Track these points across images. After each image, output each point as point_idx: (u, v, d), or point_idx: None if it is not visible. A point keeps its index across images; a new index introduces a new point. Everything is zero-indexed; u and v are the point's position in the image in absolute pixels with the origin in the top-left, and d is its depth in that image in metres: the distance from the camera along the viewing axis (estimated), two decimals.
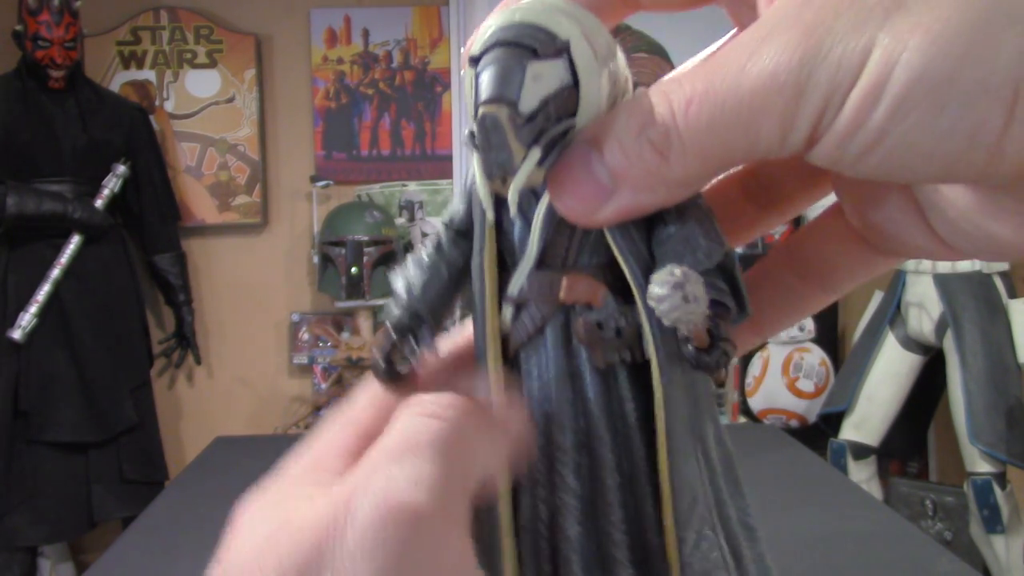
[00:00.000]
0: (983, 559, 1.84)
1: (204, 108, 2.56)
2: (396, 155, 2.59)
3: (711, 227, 0.23)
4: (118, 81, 2.52)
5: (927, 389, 2.06)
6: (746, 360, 2.43)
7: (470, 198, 0.25)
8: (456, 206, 0.26)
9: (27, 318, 2.03)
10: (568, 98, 0.21)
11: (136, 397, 2.19)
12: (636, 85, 0.24)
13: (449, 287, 0.26)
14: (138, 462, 2.15)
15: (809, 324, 2.35)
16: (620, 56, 0.23)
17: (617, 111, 0.21)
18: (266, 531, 0.21)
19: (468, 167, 0.24)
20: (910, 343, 2.00)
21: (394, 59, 2.61)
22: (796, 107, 0.18)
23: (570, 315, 0.24)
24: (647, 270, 0.23)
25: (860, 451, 2.02)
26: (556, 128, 0.21)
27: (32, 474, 2.00)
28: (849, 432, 2.03)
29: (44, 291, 2.05)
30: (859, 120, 0.18)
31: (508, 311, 0.25)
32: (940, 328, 1.91)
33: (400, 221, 2.47)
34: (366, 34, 2.60)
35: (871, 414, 2.01)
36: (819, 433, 2.12)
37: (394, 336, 0.25)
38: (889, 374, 2.00)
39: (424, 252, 0.26)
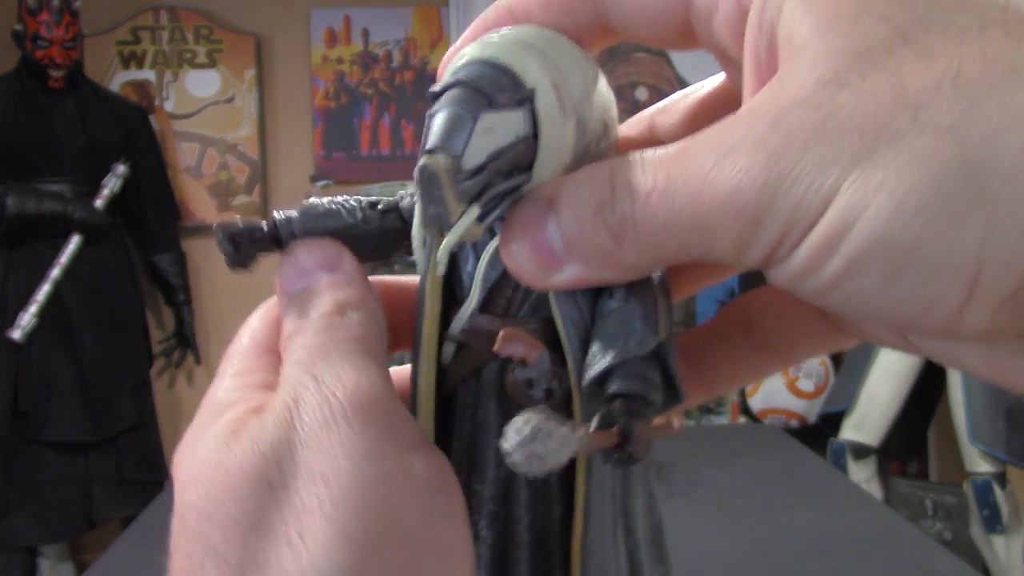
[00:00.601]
0: (983, 559, 1.84)
1: (204, 108, 2.56)
2: (396, 155, 2.59)
3: (652, 311, 0.22)
4: (118, 81, 2.52)
5: (927, 389, 2.06)
6: None
7: None
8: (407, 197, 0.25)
9: (27, 318, 2.02)
10: (524, 150, 0.20)
11: (136, 397, 2.19)
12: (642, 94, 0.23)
13: (340, 234, 0.25)
14: (138, 462, 2.15)
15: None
16: (601, 92, 0.22)
17: (580, 177, 0.20)
18: (215, 451, 0.22)
19: None
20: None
21: (394, 59, 2.61)
22: (752, 233, 0.18)
23: (506, 366, 0.23)
24: (584, 338, 0.22)
25: (860, 451, 2.02)
26: (504, 184, 0.20)
27: (32, 474, 2.00)
28: (849, 432, 2.03)
29: (44, 291, 2.05)
30: (813, 267, 0.18)
31: (449, 348, 0.24)
32: None
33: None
34: (366, 34, 2.60)
35: (871, 414, 2.01)
36: (819, 433, 2.12)
37: (244, 228, 0.26)
38: (889, 374, 2.00)
39: (350, 198, 0.25)
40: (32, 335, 2.03)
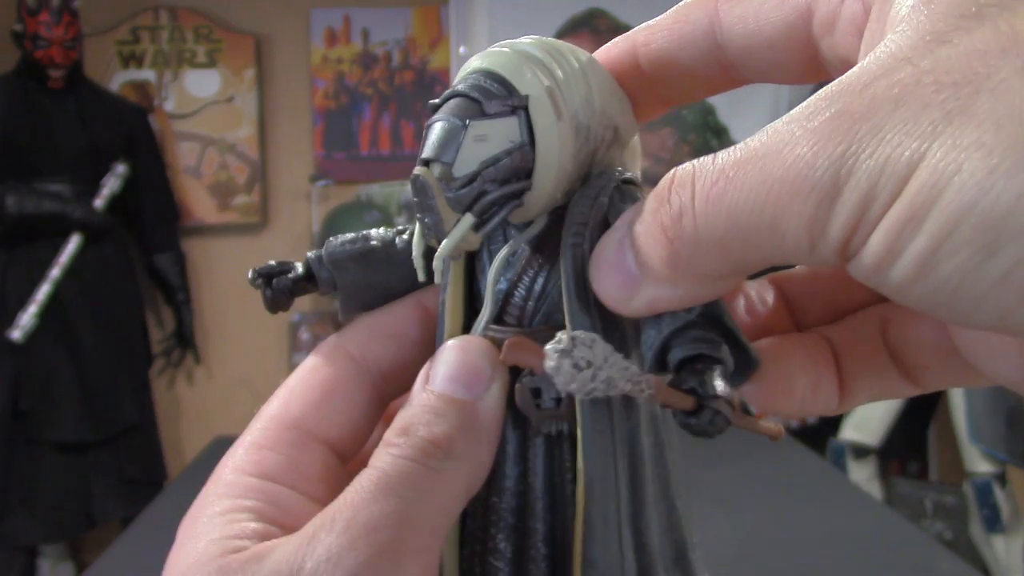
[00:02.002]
0: (983, 559, 1.84)
1: (204, 108, 2.56)
2: (396, 155, 2.59)
3: None
4: (118, 81, 2.52)
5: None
6: None
7: None
8: None
9: (27, 318, 2.02)
10: (521, 157, 0.20)
11: (136, 397, 2.19)
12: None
13: (370, 271, 0.25)
14: (138, 462, 2.15)
15: None
16: (609, 98, 0.22)
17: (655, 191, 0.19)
18: None
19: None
20: None
21: (394, 59, 2.61)
22: (828, 211, 0.15)
23: (519, 376, 0.23)
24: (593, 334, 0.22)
25: (860, 451, 2.02)
26: (500, 191, 0.20)
27: (32, 474, 2.00)
28: (849, 432, 2.03)
29: (44, 291, 2.05)
30: (898, 246, 0.15)
31: None
32: None
33: (399, 221, 2.47)
34: (366, 34, 2.60)
35: (871, 414, 2.01)
36: (819, 433, 2.12)
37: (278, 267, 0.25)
38: None
39: (381, 230, 0.26)
40: (32, 335, 2.03)
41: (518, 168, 0.20)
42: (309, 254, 0.26)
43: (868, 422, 2.01)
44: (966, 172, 0.14)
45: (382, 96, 2.61)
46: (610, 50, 0.23)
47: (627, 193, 0.22)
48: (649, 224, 0.19)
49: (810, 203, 0.16)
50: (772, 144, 0.16)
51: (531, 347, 0.21)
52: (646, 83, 0.23)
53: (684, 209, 0.18)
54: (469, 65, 0.21)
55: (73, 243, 2.10)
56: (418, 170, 0.19)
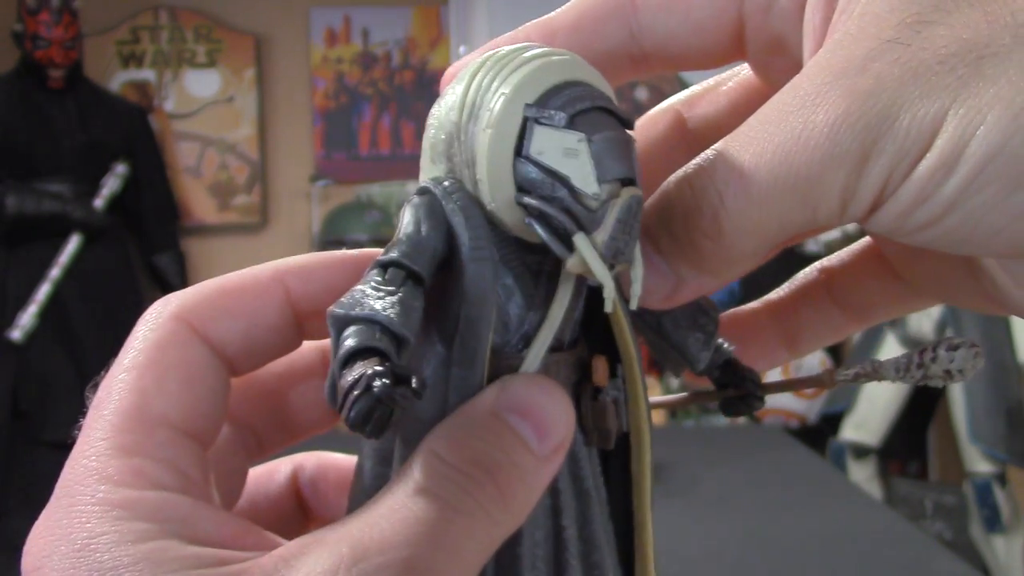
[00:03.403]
0: (983, 559, 1.84)
1: (203, 108, 2.56)
2: (396, 155, 2.59)
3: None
4: (118, 81, 2.52)
5: (927, 389, 2.06)
6: None
7: (447, 241, 0.20)
8: (412, 244, 0.20)
9: (27, 318, 2.02)
10: None
11: None
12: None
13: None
14: None
15: None
16: None
17: (659, 198, 0.20)
18: None
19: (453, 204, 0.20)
20: (910, 343, 2.00)
21: (394, 59, 2.61)
22: (859, 176, 0.17)
23: (577, 392, 0.22)
24: (636, 342, 0.22)
25: (860, 451, 2.02)
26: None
27: (32, 474, 2.00)
28: (849, 432, 2.03)
29: (44, 291, 2.05)
30: (927, 192, 0.17)
31: None
32: (940, 327, 1.91)
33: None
34: (366, 34, 2.60)
35: (871, 414, 2.01)
36: (819, 433, 2.12)
37: (391, 367, 0.17)
38: None
39: (386, 288, 0.19)
40: (32, 335, 2.03)
41: None
42: (383, 347, 0.18)
43: (868, 422, 2.01)
44: (991, 122, 0.16)
45: (382, 96, 2.61)
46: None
47: None
48: (681, 232, 0.20)
49: (841, 174, 0.17)
50: (786, 131, 0.18)
51: (603, 363, 0.22)
52: None
53: (717, 213, 0.19)
54: (549, 72, 0.19)
55: (73, 243, 2.10)
56: (635, 190, 0.18)
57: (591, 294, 0.22)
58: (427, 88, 2.61)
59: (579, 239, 0.18)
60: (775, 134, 0.18)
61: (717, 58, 0.23)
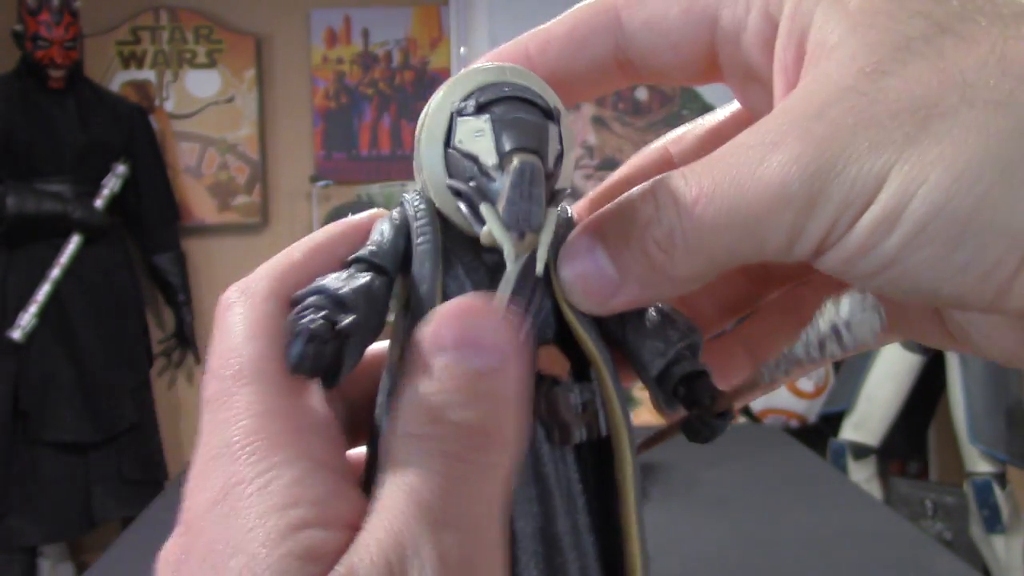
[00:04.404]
0: (983, 559, 1.84)
1: (204, 108, 2.56)
2: (396, 155, 2.59)
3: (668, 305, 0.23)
4: (118, 81, 2.52)
5: (927, 389, 2.06)
6: None
7: (407, 237, 0.22)
8: (375, 244, 0.22)
9: (27, 318, 2.02)
10: (555, 176, 0.21)
11: (136, 397, 2.19)
12: None
13: (377, 327, 0.21)
14: (138, 462, 2.15)
15: None
16: None
17: (623, 201, 0.21)
18: None
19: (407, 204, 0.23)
20: (910, 343, 2.00)
21: (394, 59, 2.61)
22: (806, 219, 0.18)
23: (533, 391, 0.22)
24: (603, 345, 0.22)
25: (860, 451, 2.02)
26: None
27: (32, 474, 2.00)
28: (849, 432, 2.03)
29: (44, 291, 2.05)
30: (870, 244, 0.18)
31: None
32: None
33: None
34: (366, 34, 2.60)
35: (871, 414, 2.01)
36: (819, 433, 2.12)
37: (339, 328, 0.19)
38: (889, 374, 2.00)
39: (344, 275, 0.21)
40: (32, 335, 2.03)
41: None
42: (344, 324, 0.20)
43: (868, 422, 2.01)
44: (932, 181, 0.17)
45: (382, 96, 2.61)
46: (501, 59, 0.24)
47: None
48: (638, 239, 0.20)
49: (788, 215, 0.18)
50: (742, 165, 0.19)
51: (559, 355, 0.22)
52: None
53: (674, 228, 0.20)
54: (483, 79, 0.21)
55: (73, 243, 2.10)
56: (527, 156, 0.19)
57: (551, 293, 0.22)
58: (427, 88, 2.61)
59: (484, 208, 0.20)
60: (734, 167, 0.19)
61: (697, 76, 0.24)
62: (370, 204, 2.46)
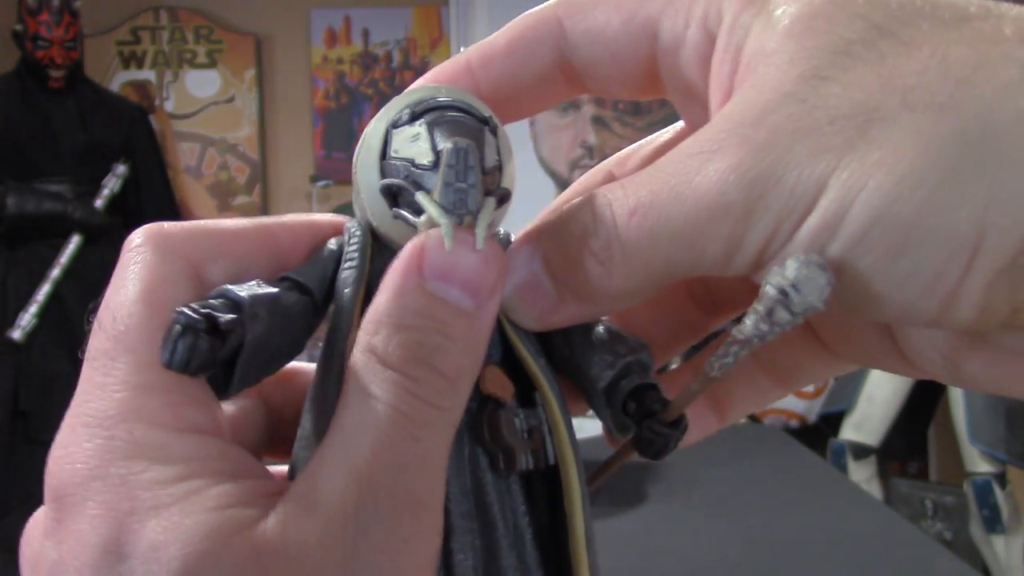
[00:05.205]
0: (983, 559, 1.84)
1: (204, 108, 2.56)
2: None
3: (613, 323, 0.23)
4: (118, 81, 2.52)
5: (927, 389, 2.06)
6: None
7: (337, 263, 0.22)
8: (305, 265, 0.22)
9: (27, 318, 2.02)
10: (497, 177, 0.21)
11: None
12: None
13: (283, 348, 0.21)
14: None
15: None
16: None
17: (562, 213, 0.21)
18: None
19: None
20: None
21: (394, 59, 2.61)
22: (744, 229, 0.17)
23: (476, 415, 0.21)
24: (550, 370, 0.22)
25: (860, 451, 2.02)
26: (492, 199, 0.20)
27: (32, 474, 2.00)
28: (849, 432, 2.03)
29: (44, 291, 2.05)
30: (810, 253, 0.17)
31: None
32: None
33: None
34: (366, 34, 2.60)
35: (871, 414, 2.01)
36: (819, 433, 2.12)
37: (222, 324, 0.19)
38: (889, 375, 2.00)
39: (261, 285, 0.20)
40: (32, 335, 2.03)
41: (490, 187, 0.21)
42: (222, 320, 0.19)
43: (868, 422, 2.01)
44: (872, 186, 0.16)
45: (383, 96, 2.61)
46: (445, 76, 0.23)
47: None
48: (575, 252, 0.20)
49: (726, 224, 0.17)
50: (680, 174, 0.18)
51: (503, 378, 0.21)
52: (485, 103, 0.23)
53: (611, 240, 0.19)
54: (419, 95, 0.21)
55: (73, 243, 2.10)
56: (461, 140, 0.19)
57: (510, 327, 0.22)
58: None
59: (419, 195, 0.19)
60: (672, 176, 0.18)
61: (640, 90, 0.23)
62: None
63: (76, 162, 2.13)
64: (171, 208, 2.41)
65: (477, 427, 0.21)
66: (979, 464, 1.81)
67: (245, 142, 2.58)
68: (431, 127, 0.20)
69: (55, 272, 2.07)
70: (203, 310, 0.19)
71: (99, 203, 2.16)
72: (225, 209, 2.57)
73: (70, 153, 2.12)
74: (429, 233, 0.19)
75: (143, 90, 2.53)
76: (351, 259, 0.21)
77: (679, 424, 0.21)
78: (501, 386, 0.21)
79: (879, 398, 2.00)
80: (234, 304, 0.19)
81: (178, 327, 0.18)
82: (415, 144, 0.20)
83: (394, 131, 0.21)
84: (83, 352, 0.19)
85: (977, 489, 1.81)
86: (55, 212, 2.06)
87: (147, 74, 2.54)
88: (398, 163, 0.20)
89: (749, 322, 0.18)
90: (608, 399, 0.22)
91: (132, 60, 2.54)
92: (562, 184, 2.25)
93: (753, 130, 0.17)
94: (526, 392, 0.22)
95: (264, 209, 2.59)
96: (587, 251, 0.19)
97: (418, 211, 0.20)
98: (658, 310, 0.26)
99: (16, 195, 2.02)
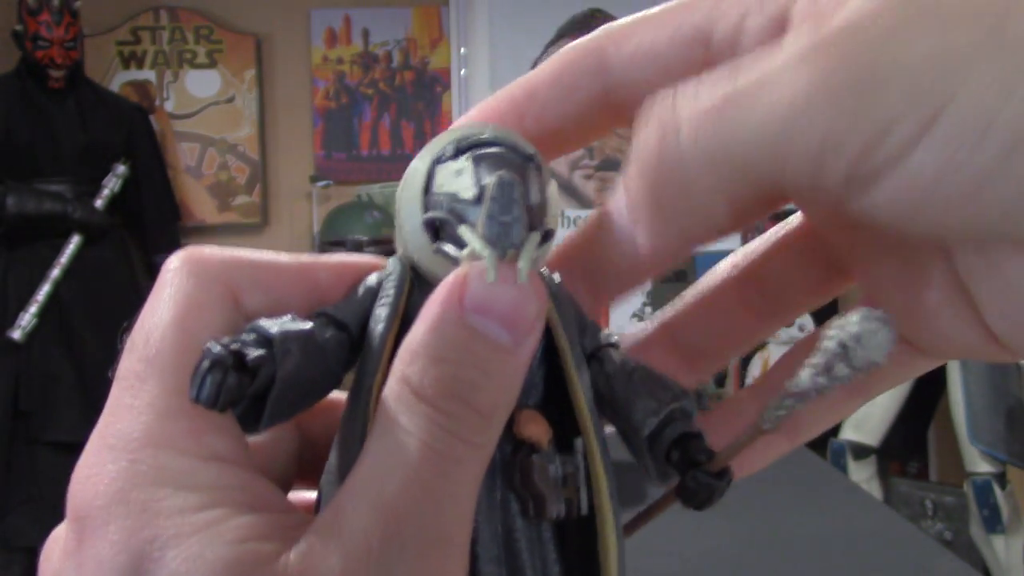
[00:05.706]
0: (983, 559, 1.84)
1: (204, 108, 2.56)
2: (396, 155, 2.59)
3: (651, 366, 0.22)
4: (118, 81, 2.52)
5: (927, 389, 2.06)
6: (746, 360, 2.43)
7: (374, 299, 0.21)
8: (344, 301, 0.22)
9: (27, 318, 2.03)
10: (538, 215, 0.20)
11: None
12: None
13: (317, 383, 0.20)
14: None
15: (809, 324, 2.35)
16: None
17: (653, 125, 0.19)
18: None
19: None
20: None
21: (394, 59, 2.61)
22: (852, 123, 0.15)
23: (510, 459, 0.21)
24: (597, 415, 0.21)
25: (860, 451, 2.02)
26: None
27: (32, 474, 2.00)
28: (849, 432, 2.03)
29: (44, 291, 2.05)
30: (955, 161, 0.15)
31: None
32: None
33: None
34: (366, 34, 2.60)
35: (871, 414, 2.01)
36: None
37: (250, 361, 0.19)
38: None
39: (305, 326, 0.20)
40: (32, 335, 2.03)
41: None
42: (250, 356, 0.19)
43: (868, 422, 2.01)
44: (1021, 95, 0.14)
45: (382, 96, 2.61)
46: (489, 111, 0.23)
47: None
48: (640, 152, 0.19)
49: (824, 116, 0.15)
50: (767, 71, 0.17)
51: (541, 422, 0.20)
52: (530, 140, 0.22)
53: (674, 127, 0.18)
54: (461, 133, 0.21)
55: (73, 243, 2.10)
56: (506, 173, 0.19)
57: (554, 359, 0.21)
58: (427, 88, 2.61)
59: (462, 228, 0.19)
60: (758, 71, 0.17)
61: None
62: (370, 204, 2.46)
63: (76, 162, 2.13)
64: (171, 208, 2.41)
65: (509, 471, 0.21)
66: (979, 464, 1.81)
67: (245, 142, 2.58)
68: (475, 162, 0.20)
69: (55, 272, 2.07)
70: (232, 346, 0.18)
71: (99, 203, 2.16)
72: (225, 209, 2.57)
73: (70, 153, 2.12)
74: (472, 264, 0.18)
75: (143, 90, 2.53)
76: (387, 295, 0.21)
77: (724, 475, 0.20)
78: (538, 430, 0.20)
79: (879, 398, 2.00)
80: (265, 339, 0.19)
81: (206, 363, 0.18)
82: (459, 179, 0.20)
83: (438, 166, 0.20)
84: (113, 371, 0.19)
85: (977, 489, 1.81)
86: (55, 212, 2.06)
87: (147, 74, 2.54)
88: (442, 197, 0.20)
89: (806, 375, 0.17)
90: (651, 447, 0.21)
91: (132, 60, 2.54)
92: (562, 184, 2.24)
93: (850, 38, 0.15)
94: (566, 436, 0.21)
95: (264, 209, 2.59)
96: (649, 143, 0.19)
97: (461, 245, 0.19)
98: (709, 316, 0.25)
99: (16, 195, 2.03)
